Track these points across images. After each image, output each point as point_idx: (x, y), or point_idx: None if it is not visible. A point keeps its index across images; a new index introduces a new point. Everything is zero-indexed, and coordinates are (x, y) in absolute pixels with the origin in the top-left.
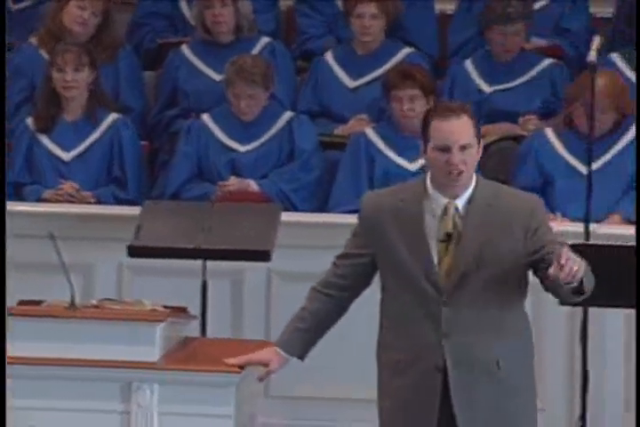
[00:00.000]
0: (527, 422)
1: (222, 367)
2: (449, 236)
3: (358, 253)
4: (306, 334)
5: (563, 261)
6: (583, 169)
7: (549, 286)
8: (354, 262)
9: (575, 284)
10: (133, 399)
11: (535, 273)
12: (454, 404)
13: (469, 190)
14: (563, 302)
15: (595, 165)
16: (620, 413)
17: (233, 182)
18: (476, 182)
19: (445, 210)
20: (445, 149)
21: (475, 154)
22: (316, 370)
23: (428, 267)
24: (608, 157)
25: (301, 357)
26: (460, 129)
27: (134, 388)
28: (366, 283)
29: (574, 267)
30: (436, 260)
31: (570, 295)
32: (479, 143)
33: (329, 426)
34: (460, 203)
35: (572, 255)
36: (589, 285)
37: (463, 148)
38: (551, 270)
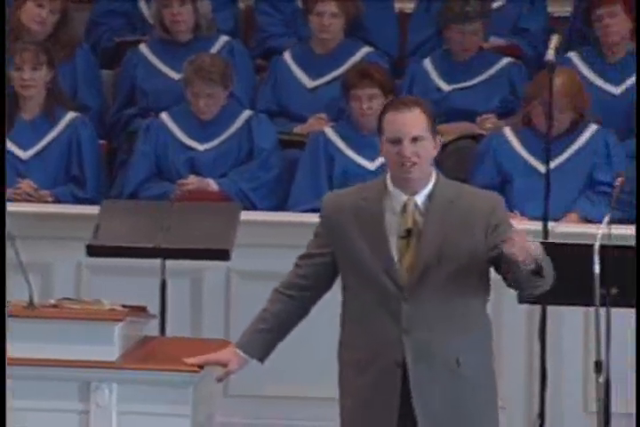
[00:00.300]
0: (487, 420)
1: (181, 367)
2: (409, 232)
3: (319, 253)
4: (267, 335)
5: (515, 237)
6: (541, 168)
7: (510, 277)
8: (315, 262)
9: (532, 265)
10: (92, 399)
11: (497, 270)
12: (413, 400)
13: (429, 187)
14: (522, 300)
15: (552, 164)
16: (579, 412)
17: (192, 181)
18: (437, 180)
19: (405, 206)
20: (397, 141)
21: (428, 147)
22: (275, 369)
23: (389, 264)
24: (566, 155)
25: (261, 359)
26: (411, 121)
27: (93, 387)
28: (328, 284)
29: (528, 243)
30: (396, 256)
31: (530, 279)
32: (435, 138)
33: (288, 425)
34: (420, 199)
35: (525, 235)
36: (548, 268)
37: (415, 139)
38: (505, 249)
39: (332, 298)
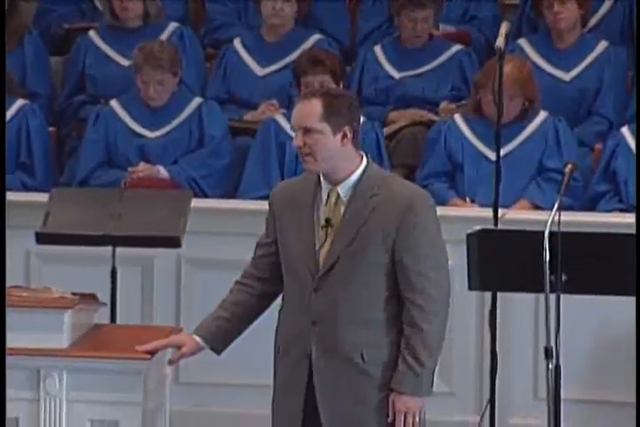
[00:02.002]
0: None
1: (131, 355)
2: (328, 221)
3: (266, 243)
4: (224, 324)
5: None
6: (491, 155)
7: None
8: (265, 253)
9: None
10: (42, 387)
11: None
12: (317, 393)
13: (353, 178)
14: (472, 286)
15: (503, 152)
16: (530, 398)
17: (143, 168)
18: (364, 170)
19: (328, 196)
20: (296, 131)
21: (323, 140)
22: (226, 357)
23: (308, 253)
24: (516, 143)
25: (217, 348)
26: (303, 112)
27: (43, 375)
28: (282, 274)
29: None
30: (317, 246)
31: None
32: (340, 131)
33: (239, 413)
34: (343, 190)
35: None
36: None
37: (307, 131)
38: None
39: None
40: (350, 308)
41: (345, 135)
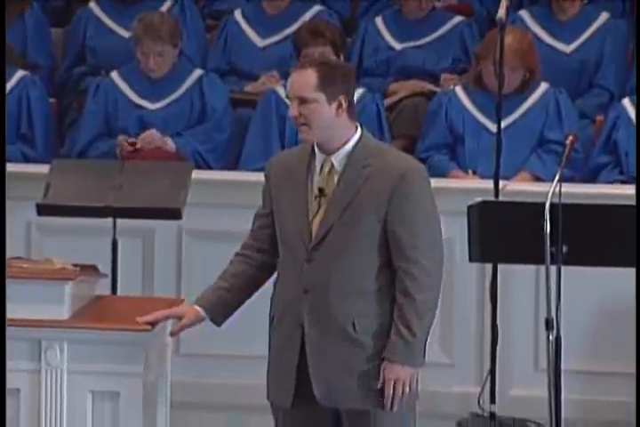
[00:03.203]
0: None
1: (132, 326)
2: (321, 191)
3: (264, 214)
4: (225, 294)
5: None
6: (492, 127)
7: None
8: (263, 224)
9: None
10: (43, 358)
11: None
12: (309, 362)
13: (347, 147)
14: (473, 258)
15: (504, 123)
16: (530, 369)
17: (152, 138)
18: (358, 140)
19: (322, 166)
20: (291, 100)
21: (318, 110)
22: (227, 328)
23: (302, 223)
24: (517, 114)
25: (217, 319)
26: (299, 82)
27: (44, 347)
28: (271, 251)
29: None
30: (310, 216)
31: None
32: (336, 100)
33: (239, 384)
34: (337, 159)
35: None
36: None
37: (302, 101)
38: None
39: None
40: (343, 277)
41: (340, 105)
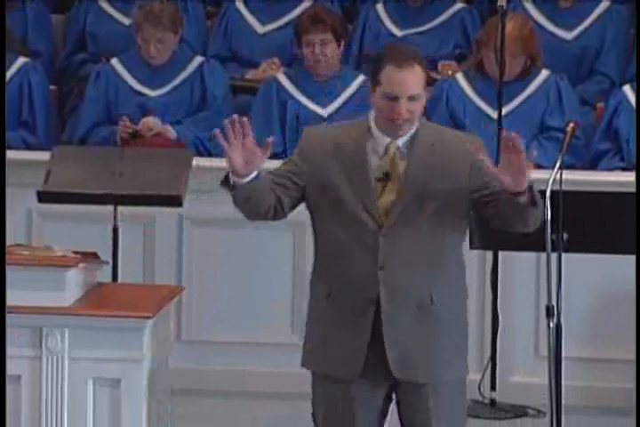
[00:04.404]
0: (458, 359)
1: (133, 312)
2: (386, 175)
3: (290, 178)
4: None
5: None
6: (493, 114)
7: (503, 212)
8: (283, 182)
9: (527, 195)
10: (44, 345)
11: (477, 211)
12: (384, 337)
13: (412, 131)
14: (473, 245)
15: (504, 110)
16: (531, 356)
17: (153, 125)
18: (420, 123)
19: (387, 149)
20: (394, 99)
21: (421, 104)
22: (228, 315)
23: (369, 202)
24: (518, 101)
25: (245, 179)
26: (410, 80)
27: (45, 333)
28: (282, 207)
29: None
30: (375, 196)
31: (525, 211)
32: (426, 91)
33: (240, 371)
34: (402, 143)
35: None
36: (538, 197)
37: (412, 98)
38: (502, 181)
39: (284, 247)
40: (420, 253)
41: (428, 95)
